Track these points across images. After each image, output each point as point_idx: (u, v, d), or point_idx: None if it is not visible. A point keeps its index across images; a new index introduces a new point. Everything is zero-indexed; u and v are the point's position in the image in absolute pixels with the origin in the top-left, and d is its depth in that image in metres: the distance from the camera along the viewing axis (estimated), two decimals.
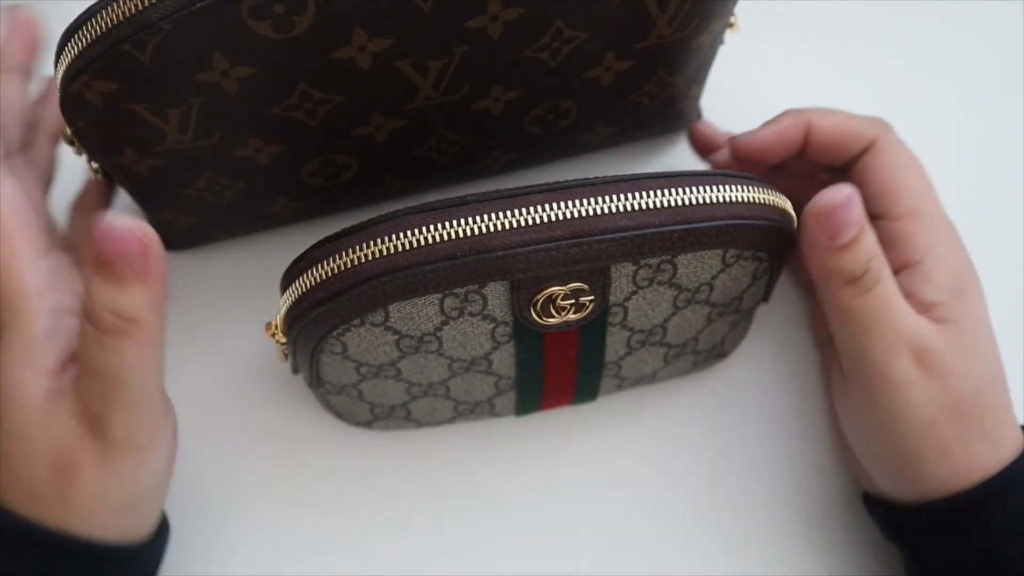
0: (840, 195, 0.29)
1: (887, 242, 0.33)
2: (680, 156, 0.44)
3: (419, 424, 0.36)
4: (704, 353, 0.36)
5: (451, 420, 0.36)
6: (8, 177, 0.30)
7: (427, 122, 0.35)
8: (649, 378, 0.36)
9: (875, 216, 0.34)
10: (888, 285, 0.31)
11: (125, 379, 0.27)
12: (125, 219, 0.25)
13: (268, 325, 0.31)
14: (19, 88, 0.33)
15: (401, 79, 0.32)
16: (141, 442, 0.28)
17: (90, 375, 0.27)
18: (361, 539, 0.37)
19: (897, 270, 0.33)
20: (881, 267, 0.30)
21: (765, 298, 0.35)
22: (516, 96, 0.35)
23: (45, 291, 0.29)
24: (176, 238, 0.39)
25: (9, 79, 0.32)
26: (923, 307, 0.32)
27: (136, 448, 0.28)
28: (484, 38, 0.31)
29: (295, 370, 0.32)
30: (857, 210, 0.29)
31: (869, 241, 0.30)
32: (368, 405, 0.34)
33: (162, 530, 0.32)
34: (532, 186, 0.29)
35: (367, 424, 0.36)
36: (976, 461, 0.31)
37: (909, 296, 0.32)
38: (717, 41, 0.37)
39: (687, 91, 0.39)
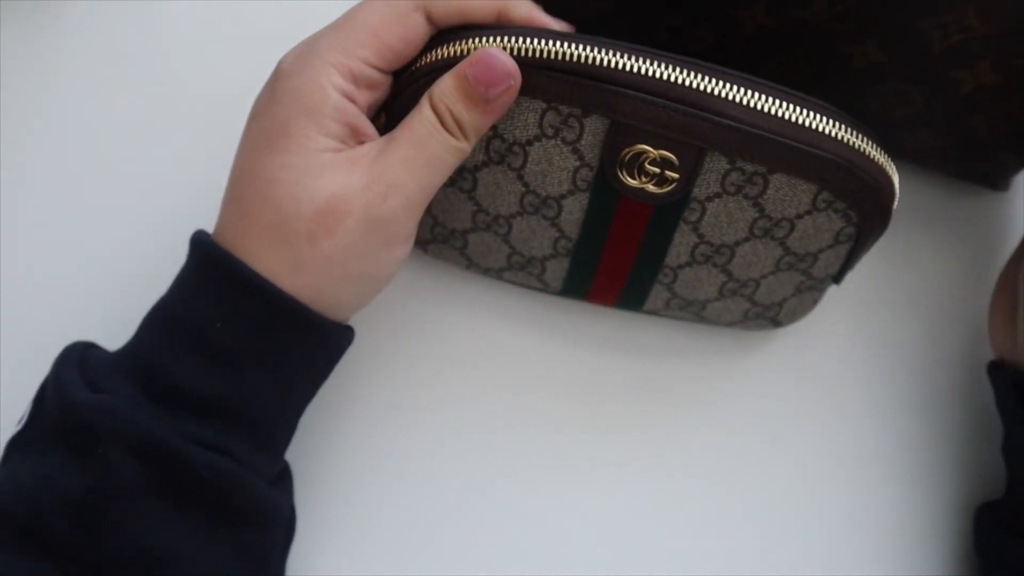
0: None
1: None
2: None
3: (469, 263, 0.37)
4: (760, 307, 0.36)
5: (499, 272, 0.37)
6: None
7: (794, 37, 0.34)
8: (699, 306, 0.36)
9: None
10: None
11: (435, 166, 0.30)
12: (506, 56, 0.29)
13: None
14: None
15: None
16: (405, 227, 0.30)
17: (406, 146, 0.29)
18: (362, 540, 0.37)
19: None
20: None
21: (837, 278, 0.35)
22: (880, 61, 0.34)
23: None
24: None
25: None
26: None
27: (397, 226, 0.30)
28: None
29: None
30: None
31: None
32: (431, 219, 0.35)
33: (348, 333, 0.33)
34: (661, 51, 0.29)
35: (424, 245, 0.37)
36: None
37: None
38: None
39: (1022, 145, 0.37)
